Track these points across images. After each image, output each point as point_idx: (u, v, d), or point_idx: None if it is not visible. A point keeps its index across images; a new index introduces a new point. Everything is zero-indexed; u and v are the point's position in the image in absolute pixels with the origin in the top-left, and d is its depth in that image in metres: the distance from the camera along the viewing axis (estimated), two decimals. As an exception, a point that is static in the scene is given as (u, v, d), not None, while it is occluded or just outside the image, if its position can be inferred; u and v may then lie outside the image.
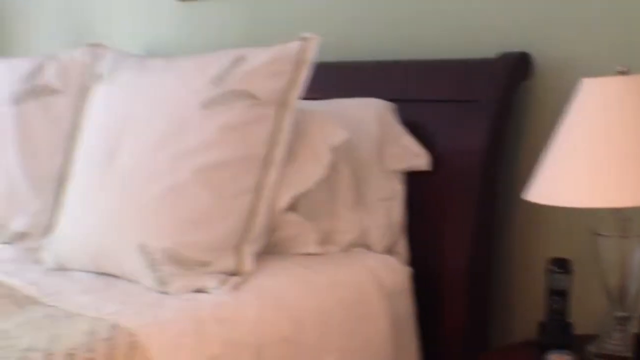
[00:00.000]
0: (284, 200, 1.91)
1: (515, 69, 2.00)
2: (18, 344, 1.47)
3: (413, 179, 2.09)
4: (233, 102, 1.86)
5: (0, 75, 2.44)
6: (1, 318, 1.64)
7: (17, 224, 2.28)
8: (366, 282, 1.91)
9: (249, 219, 1.84)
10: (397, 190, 2.08)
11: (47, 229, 2.20)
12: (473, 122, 2.00)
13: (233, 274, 1.81)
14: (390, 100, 2.13)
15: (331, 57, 2.23)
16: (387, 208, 2.06)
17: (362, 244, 2.04)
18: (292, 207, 1.95)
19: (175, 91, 1.92)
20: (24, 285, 1.85)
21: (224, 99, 1.87)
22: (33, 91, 2.36)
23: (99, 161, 1.95)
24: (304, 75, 1.91)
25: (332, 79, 2.26)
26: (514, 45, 2.02)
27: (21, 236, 2.26)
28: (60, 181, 2.26)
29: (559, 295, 1.76)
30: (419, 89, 2.15)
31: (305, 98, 1.96)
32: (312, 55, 1.92)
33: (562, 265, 1.76)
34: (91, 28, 3.12)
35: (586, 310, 1.84)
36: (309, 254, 1.96)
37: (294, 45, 1.93)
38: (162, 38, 2.90)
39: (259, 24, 2.61)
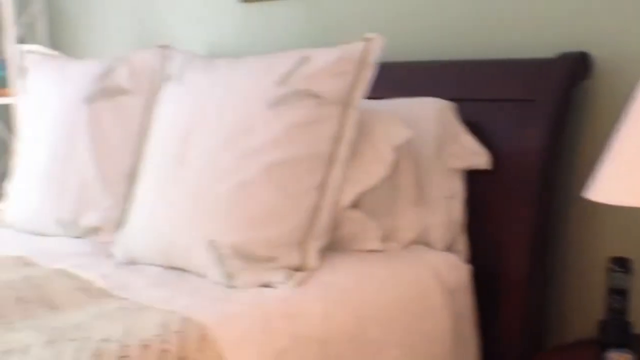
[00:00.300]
0: (348, 197, 1.96)
1: (575, 69, 2.01)
2: (93, 335, 1.53)
3: (473, 177, 2.12)
4: (298, 101, 1.91)
5: (73, 77, 2.54)
6: (76, 310, 1.72)
7: (89, 219, 2.37)
8: (427, 278, 1.95)
9: (313, 215, 1.89)
10: (457, 188, 2.11)
11: (117, 224, 2.28)
12: (532, 122, 2.01)
13: (298, 269, 1.85)
14: (451, 99, 2.15)
15: (392, 57, 2.26)
16: (448, 206, 2.09)
17: (423, 242, 2.08)
18: (355, 205, 2.00)
19: (242, 91, 1.98)
20: (96, 279, 1.92)
21: (289, 98, 1.92)
22: (105, 91, 2.44)
23: (169, 159, 2.02)
24: (368, 75, 1.95)
25: (393, 79, 2.29)
26: (574, 44, 2.03)
27: (93, 231, 2.35)
28: (130, 178, 2.34)
29: (619, 294, 1.77)
30: (479, 89, 2.17)
31: (367, 97, 2.00)
32: (376, 55, 1.95)
33: (622, 264, 1.77)
34: (156, 30, 3.18)
35: (647, 310, 1.85)
36: (371, 251, 2.01)
37: (357, 46, 1.96)
38: (224, 39, 2.95)
39: (320, 25, 2.65)
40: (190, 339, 1.52)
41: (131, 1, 3.28)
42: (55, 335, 1.56)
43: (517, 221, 2.00)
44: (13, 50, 3.35)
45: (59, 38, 3.60)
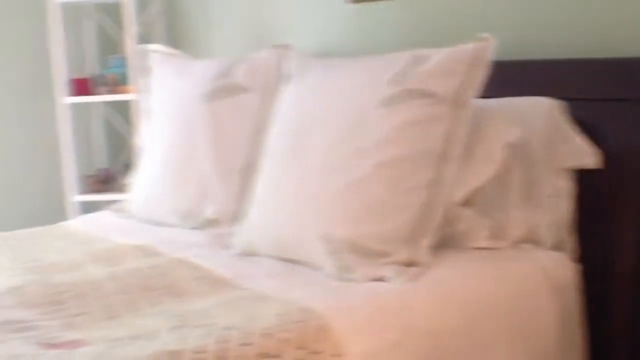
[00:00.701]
0: (459, 195, 2.00)
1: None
2: (217, 323, 1.63)
3: (583, 176, 2.13)
4: (411, 100, 1.97)
5: (194, 75, 2.66)
6: (199, 298, 1.82)
7: (208, 212, 2.48)
8: (536, 276, 1.97)
9: (425, 212, 1.94)
10: (566, 187, 2.11)
11: (234, 216, 2.38)
12: (643, 121, 2.01)
13: (409, 264, 1.90)
14: (560, 99, 2.16)
15: (501, 55, 2.28)
16: (557, 205, 2.10)
17: (531, 240, 2.10)
18: (466, 203, 2.03)
19: (357, 90, 2.04)
20: (216, 269, 2.02)
21: (402, 97, 1.97)
22: (224, 89, 2.55)
23: (287, 155, 2.11)
24: (480, 75, 1.98)
25: (503, 78, 2.31)
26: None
27: (211, 223, 2.46)
28: (246, 172, 2.44)
29: None
30: (589, 88, 2.17)
31: (479, 96, 2.04)
32: (488, 55, 1.98)
33: None
34: (268, 30, 3.27)
35: None
36: (480, 248, 2.04)
37: (470, 46, 2.00)
38: (334, 39, 3.02)
39: (429, 25, 2.67)
40: (309, 329, 1.60)
41: (245, 2, 3.38)
42: (180, 321, 1.66)
43: (626, 221, 2.01)
44: (133, 48, 3.50)
45: (177, 37, 3.74)
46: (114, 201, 3.16)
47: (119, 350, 1.52)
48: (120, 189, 3.55)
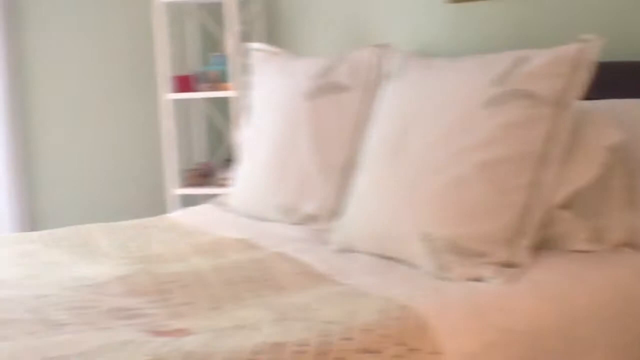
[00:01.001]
0: (558, 197, 1.99)
1: None
2: (318, 317, 1.66)
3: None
4: (513, 101, 1.97)
5: (296, 73, 2.72)
6: (300, 292, 1.86)
7: (308, 207, 2.53)
8: (636, 281, 1.95)
9: (524, 213, 1.94)
10: (671, 192, 2.09)
11: (333, 213, 2.42)
12: None
13: (508, 265, 1.90)
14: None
15: (606, 56, 2.25)
16: (660, 210, 2.07)
17: (632, 244, 2.07)
18: (566, 205, 2.02)
19: (458, 90, 2.06)
20: (315, 264, 2.07)
21: (504, 98, 1.97)
22: (326, 87, 2.59)
23: (387, 153, 2.13)
24: (584, 77, 1.96)
25: (606, 79, 2.28)
26: None
27: (311, 218, 2.51)
28: (346, 169, 2.47)
29: None
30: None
31: (583, 98, 2.02)
32: (593, 57, 1.97)
33: None
34: (366, 28, 3.30)
35: None
36: (579, 251, 2.02)
37: (573, 47, 1.98)
38: (432, 39, 3.02)
39: (529, 25, 2.66)
40: (409, 326, 1.62)
41: (344, 1, 3.41)
42: (282, 314, 1.71)
43: None
44: (234, 46, 3.57)
45: (277, 35, 3.80)
46: (212, 195, 3.25)
47: (223, 339, 1.56)
48: (218, 183, 3.64)
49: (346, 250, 2.18)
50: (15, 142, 3.68)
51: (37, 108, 3.80)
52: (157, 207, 3.68)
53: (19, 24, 3.72)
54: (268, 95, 2.80)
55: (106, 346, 1.55)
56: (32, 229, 3.35)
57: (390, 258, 2.07)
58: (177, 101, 3.78)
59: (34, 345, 1.59)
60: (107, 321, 1.73)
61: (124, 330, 1.67)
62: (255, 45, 3.03)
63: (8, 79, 3.64)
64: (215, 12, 3.86)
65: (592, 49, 1.97)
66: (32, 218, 3.69)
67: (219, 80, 3.68)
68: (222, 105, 3.89)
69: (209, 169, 3.82)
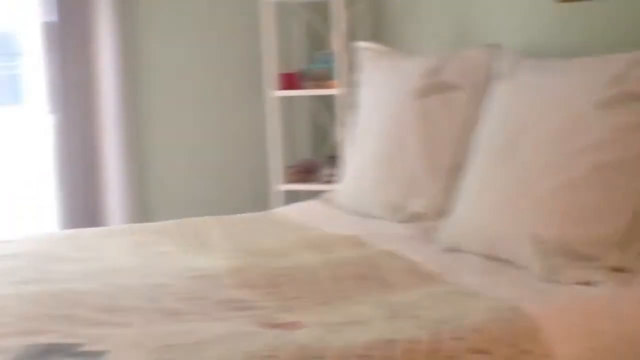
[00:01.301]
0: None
1: None
2: (428, 315, 1.68)
3: None
4: (627, 104, 1.93)
5: (405, 72, 2.73)
6: (409, 290, 1.88)
7: (415, 206, 2.54)
8: None
9: (637, 217, 1.90)
10: None
11: (441, 211, 2.42)
12: None
13: (618, 270, 1.87)
14: None
15: None
16: None
17: None
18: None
19: (571, 91, 2.04)
20: (423, 262, 2.08)
21: (618, 100, 1.94)
22: (435, 87, 2.60)
23: (498, 153, 2.13)
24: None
25: None
26: None
27: (417, 217, 2.52)
28: (454, 169, 2.47)
29: None
30: None
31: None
32: None
33: None
34: (473, 27, 3.28)
35: None
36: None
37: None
38: (541, 39, 2.99)
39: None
40: (520, 328, 1.62)
41: (450, 0, 3.40)
42: (393, 311, 1.73)
43: None
44: (340, 45, 3.61)
45: (383, 33, 3.81)
46: (315, 191, 3.29)
47: (335, 334, 1.59)
48: (321, 179, 3.68)
49: (453, 249, 2.19)
50: (129, 139, 3.80)
51: (149, 106, 3.92)
52: (261, 202, 3.75)
53: (132, 25, 3.83)
54: (376, 94, 2.82)
55: (221, 336, 1.59)
56: (143, 222, 3.45)
57: (498, 259, 2.06)
58: (282, 98, 3.84)
59: (153, 332, 1.65)
60: (220, 312, 1.78)
61: (238, 321, 1.71)
62: (363, 43, 3.06)
63: (122, 79, 3.76)
64: (322, 11, 3.89)
65: None
66: (143, 211, 3.81)
67: (324, 78, 3.72)
68: (326, 102, 3.92)
69: (312, 166, 3.86)
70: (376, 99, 2.81)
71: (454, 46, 3.17)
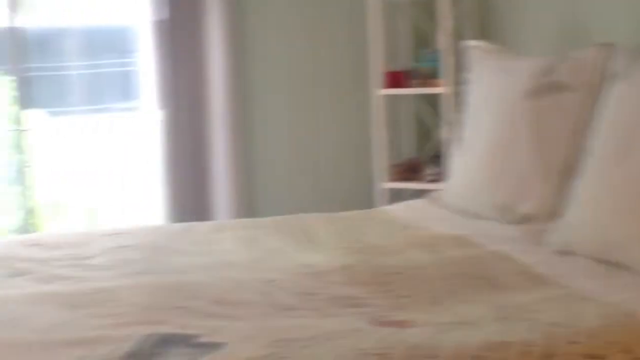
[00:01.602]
0: None
1: None
2: (541, 318, 1.66)
3: None
4: None
5: (516, 71, 2.70)
6: (519, 292, 1.87)
7: (525, 207, 2.50)
8: None
9: None
10: None
11: (552, 213, 2.37)
12: None
13: None
14: None
15: None
16: None
17: None
18: None
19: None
20: (534, 264, 2.06)
21: None
22: (547, 87, 2.55)
23: (613, 156, 2.09)
24: None
25: None
26: None
27: (527, 219, 2.48)
28: (566, 171, 2.43)
29: None
30: None
31: None
32: None
33: None
34: (582, 26, 3.22)
35: None
36: None
37: None
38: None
39: None
40: (636, 334, 1.58)
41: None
42: (503, 313, 1.72)
43: None
44: (446, 43, 3.59)
45: (489, 32, 3.78)
46: (419, 190, 3.29)
47: (446, 334, 1.59)
48: (425, 178, 3.68)
49: (565, 252, 2.15)
50: (236, 136, 3.87)
51: (257, 103, 3.99)
52: (365, 200, 3.77)
53: (242, 23, 3.91)
54: (486, 93, 2.80)
55: (334, 333, 1.62)
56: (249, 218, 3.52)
57: (611, 263, 2.02)
58: (387, 97, 3.85)
59: (265, 327, 1.68)
60: (332, 308, 1.81)
61: (349, 318, 1.73)
62: (472, 42, 3.04)
63: (231, 76, 3.84)
64: (428, 9, 3.88)
65: None
66: (249, 207, 3.88)
67: (430, 77, 3.71)
68: (431, 101, 3.92)
69: (417, 165, 3.86)
70: (485, 98, 2.79)
71: (562, 44, 3.12)
